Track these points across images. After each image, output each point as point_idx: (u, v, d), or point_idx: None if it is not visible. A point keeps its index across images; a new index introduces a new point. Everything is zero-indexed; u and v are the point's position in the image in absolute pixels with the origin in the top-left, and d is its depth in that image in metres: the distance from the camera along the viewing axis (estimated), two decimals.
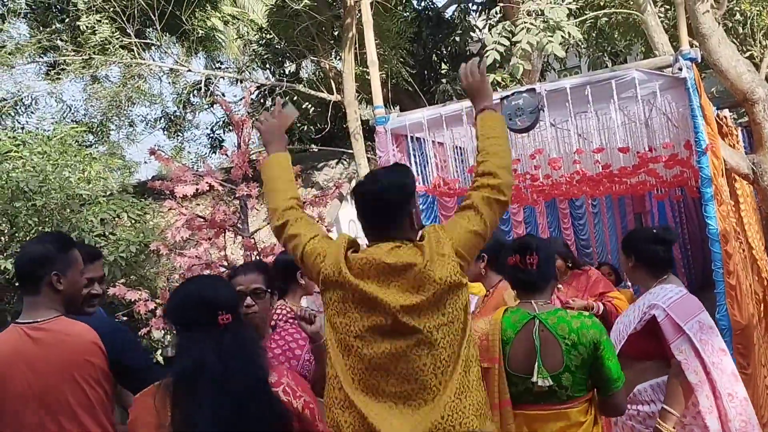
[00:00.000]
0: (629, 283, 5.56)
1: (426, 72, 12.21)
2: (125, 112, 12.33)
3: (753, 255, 6.26)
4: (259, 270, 2.92)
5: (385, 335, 2.21)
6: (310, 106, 11.48)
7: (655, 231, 3.36)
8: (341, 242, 2.36)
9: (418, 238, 2.35)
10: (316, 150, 11.52)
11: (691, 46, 5.08)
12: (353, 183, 10.39)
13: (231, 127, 8.58)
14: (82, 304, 2.76)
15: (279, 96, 11.08)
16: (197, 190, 5.31)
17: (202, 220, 5.27)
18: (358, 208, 2.45)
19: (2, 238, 6.99)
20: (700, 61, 4.76)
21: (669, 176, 6.18)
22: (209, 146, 14.11)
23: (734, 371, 3.11)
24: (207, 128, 14.20)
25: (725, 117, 7.17)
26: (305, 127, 11.64)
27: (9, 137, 8.04)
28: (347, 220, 9.93)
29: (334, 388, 2.25)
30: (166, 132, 14.16)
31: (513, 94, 4.86)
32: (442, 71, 12.12)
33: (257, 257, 5.22)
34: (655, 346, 3.09)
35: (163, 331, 6.36)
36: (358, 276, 2.26)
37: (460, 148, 6.10)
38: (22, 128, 11.15)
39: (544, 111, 4.84)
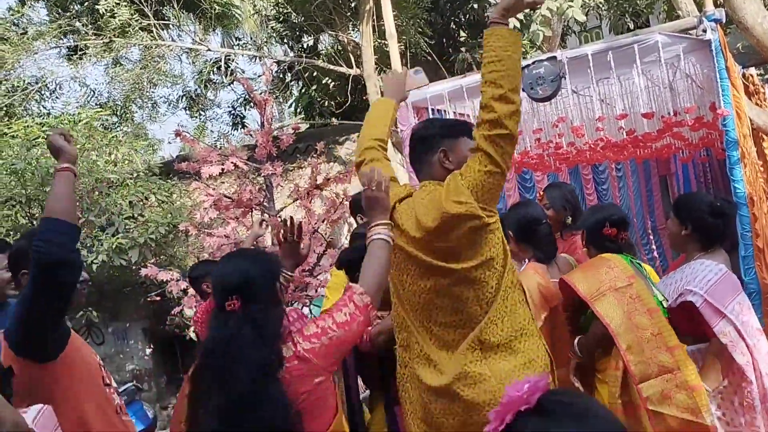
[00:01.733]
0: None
1: (444, 41, 12.10)
2: (147, 93, 12.42)
3: None
4: None
5: (427, 275, 2.35)
6: (329, 80, 11.46)
7: (715, 202, 3.24)
8: (398, 192, 2.49)
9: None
10: (337, 124, 11.54)
11: (715, 5, 4.98)
12: None
13: (252, 104, 8.62)
14: None
15: (300, 72, 11.09)
16: (222, 170, 5.37)
17: (228, 200, 5.35)
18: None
19: (35, 222, 7.16)
20: (724, 21, 4.67)
21: (695, 138, 6.11)
22: (231, 124, 14.20)
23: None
24: (228, 106, 14.30)
25: (751, 76, 7.04)
26: (326, 102, 11.64)
27: (36, 123, 8.18)
28: None
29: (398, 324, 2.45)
30: (188, 111, 14.26)
31: (534, 62, 4.82)
32: (461, 39, 12.00)
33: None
34: (689, 325, 3.04)
35: (194, 309, 6.49)
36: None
37: None
38: (48, 114, 11.32)
39: (565, 78, 4.80)
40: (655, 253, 9.69)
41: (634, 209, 10.47)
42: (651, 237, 10.33)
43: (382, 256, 2.28)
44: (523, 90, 4.99)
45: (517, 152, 5.61)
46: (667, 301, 3.05)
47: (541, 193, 4.03)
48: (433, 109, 5.70)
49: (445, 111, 5.76)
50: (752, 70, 7.41)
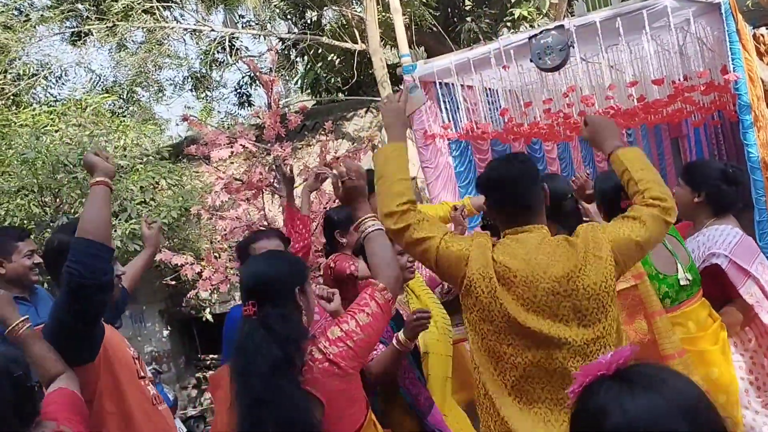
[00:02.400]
0: None
1: (450, 11, 11.95)
2: (153, 76, 12.39)
3: None
4: (280, 237, 3.03)
5: (538, 344, 2.15)
6: (334, 56, 11.38)
7: (728, 169, 3.21)
8: (484, 242, 2.25)
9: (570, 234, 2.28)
10: (344, 100, 11.47)
11: None
12: (383, 131, 10.35)
13: (258, 83, 8.57)
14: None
15: (305, 49, 11.01)
16: (232, 152, 5.37)
17: (239, 182, 5.35)
18: (491, 194, 2.36)
19: (48, 211, 7.20)
20: None
21: (706, 102, 6.03)
22: (238, 103, 14.15)
23: None
24: (234, 85, 14.23)
25: (762, 35, 6.92)
26: (331, 79, 11.57)
27: (44, 111, 8.19)
28: None
29: (480, 395, 2.24)
30: (194, 93, 14.22)
31: (541, 32, 4.77)
32: (467, 8, 11.85)
33: None
34: (714, 289, 3.05)
35: (209, 291, 6.55)
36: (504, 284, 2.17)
37: (490, 89, 6.04)
38: (56, 100, 11.34)
39: (574, 47, 4.75)
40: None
41: None
42: None
43: (386, 245, 2.27)
44: (531, 60, 4.95)
45: (527, 123, 5.58)
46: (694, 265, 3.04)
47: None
48: (440, 83, 5.67)
49: (452, 84, 5.72)
50: (763, 30, 7.27)
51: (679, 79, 4.81)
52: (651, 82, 4.85)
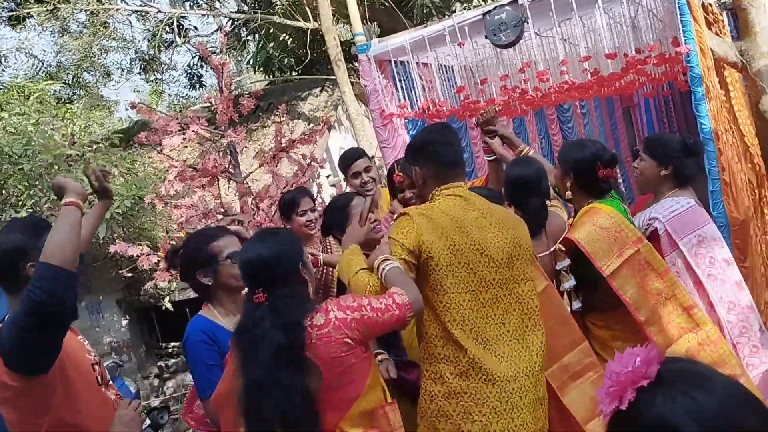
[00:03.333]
0: None
1: None
2: (99, 60, 12.00)
3: (744, 142, 6.26)
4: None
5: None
6: (287, 35, 11.18)
7: (688, 141, 3.29)
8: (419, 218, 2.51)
9: None
10: (298, 79, 11.31)
11: None
12: (339, 110, 10.25)
13: (209, 65, 8.38)
14: None
15: (256, 28, 10.78)
16: (184, 138, 5.24)
17: (193, 170, 5.23)
18: (432, 152, 2.61)
19: None
20: None
21: (658, 73, 6.09)
22: (189, 85, 13.85)
23: (738, 281, 3.12)
24: (185, 67, 13.91)
25: (710, 5, 7.01)
26: (285, 58, 11.38)
27: None
28: (337, 147, 9.87)
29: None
30: (143, 75, 13.86)
31: (495, 8, 4.73)
32: None
33: (254, 201, 5.21)
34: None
35: (167, 281, 6.42)
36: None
37: (446, 67, 5.99)
38: None
39: (528, 23, 4.73)
40: (622, 187, 9.83)
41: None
42: (617, 169, 10.47)
43: (405, 282, 2.34)
44: (486, 36, 4.92)
45: (483, 100, 5.56)
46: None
47: None
48: (395, 61, 5.60)
49: (407, 62, 5.66)
50: None
51: (632, 52, 4.82)
52: (604, 56, 4.87)
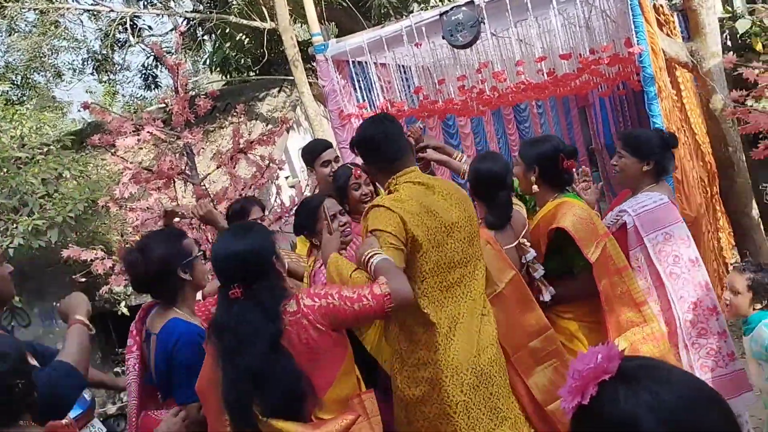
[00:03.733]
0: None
1: None
2: (50, 60, 11.70)
3: (696, 141, 6.41)
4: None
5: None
6: (243, 35, 11.06)
7: (664, 135, 3.33)
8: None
9: None
10: (256, 79, 11.20)
11: None
12: (298, 110, 10.18)
13: (164, 65, 8.24)
14: None
15: (212, 28, 10.64)
16: (139, 140, 5.13)
17: (148, 172, 5.13)
18: (377, 146, 2.64)
19: None
20: None
21: (611, 73, 6.20)
22: (144, 86, 13.59)
23: (704, 283, 3.14)
24: (139, 67, 13.65)
25: (661, 6, 7.16)
26: (242, 58, 11.25)
27: None
28: (296, 149, 9.81)
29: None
30: (96, 76, 13.55)
31: (452, 8, 4.76)
32: None
33: (211, 203, 5.14)
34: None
35: (122, 286, 6.29)
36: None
37: (404, 67, 6.00)
38: None
39: (484, 23, 4.76)
40: (596, 184, 10.06)
41: None
42: (589, 167, 10.69)
43: (393, 270, 2.35)
44: (443, 37, 4.94)
45: (441, 100, 5.58)
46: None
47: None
48: (353, 61, 5.59)
49: (366, 63, 5.65)
50: (662, 1, 7.50)
51: (586, 53, 4.90)
52: (559, 56, 4.93)
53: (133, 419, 2.68)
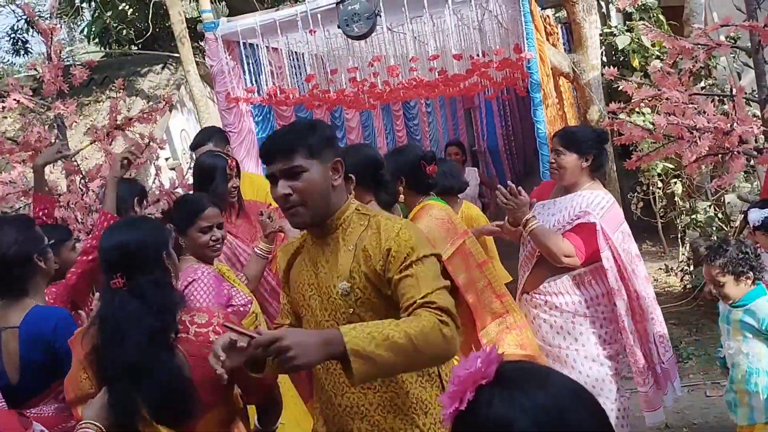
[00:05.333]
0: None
1: None
2: None
3: None
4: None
5: None
6: (127, 5, 10.48)
7: (598, 131, 3.40)
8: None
9: None
10: (138, 54, 10.64)
11: None
12: (182, 90, 9.77)
13: (36, 30, 7.66)
14: None
15: None
16: (3, 108, 4.71)
17: (13, 143, 4.71)
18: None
19: None
20: None
21: (499, 77, 6.38)
22: (12, 51, 12.58)
23: (647, 276, 3.38)
24: (8, 30, 12.61)
25: (548, 17, 7.46)
26: (124, 30, 10.66)
27: None
28: (179, 130, 9.42)
29: None
30: None
31: None
32: None
33: (82, 181, 4.81)
34: (580, 245, 3.20)
35: None
36: None
37: (296, 53, 5.88)
38: None
39: (381, 16, 4.75)
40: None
41: (442, 143, 10.94)
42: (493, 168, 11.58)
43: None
44: (339, 26, 4.88)
45: (333, 90, 5.52)
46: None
47: None
48: (244, 43, 5.42)
49: (257, 45, 5.49)
50: (548, 12, 7.82)
51: (478, 55, 5.00)
52: (452, 56, 5.00)
53: None
